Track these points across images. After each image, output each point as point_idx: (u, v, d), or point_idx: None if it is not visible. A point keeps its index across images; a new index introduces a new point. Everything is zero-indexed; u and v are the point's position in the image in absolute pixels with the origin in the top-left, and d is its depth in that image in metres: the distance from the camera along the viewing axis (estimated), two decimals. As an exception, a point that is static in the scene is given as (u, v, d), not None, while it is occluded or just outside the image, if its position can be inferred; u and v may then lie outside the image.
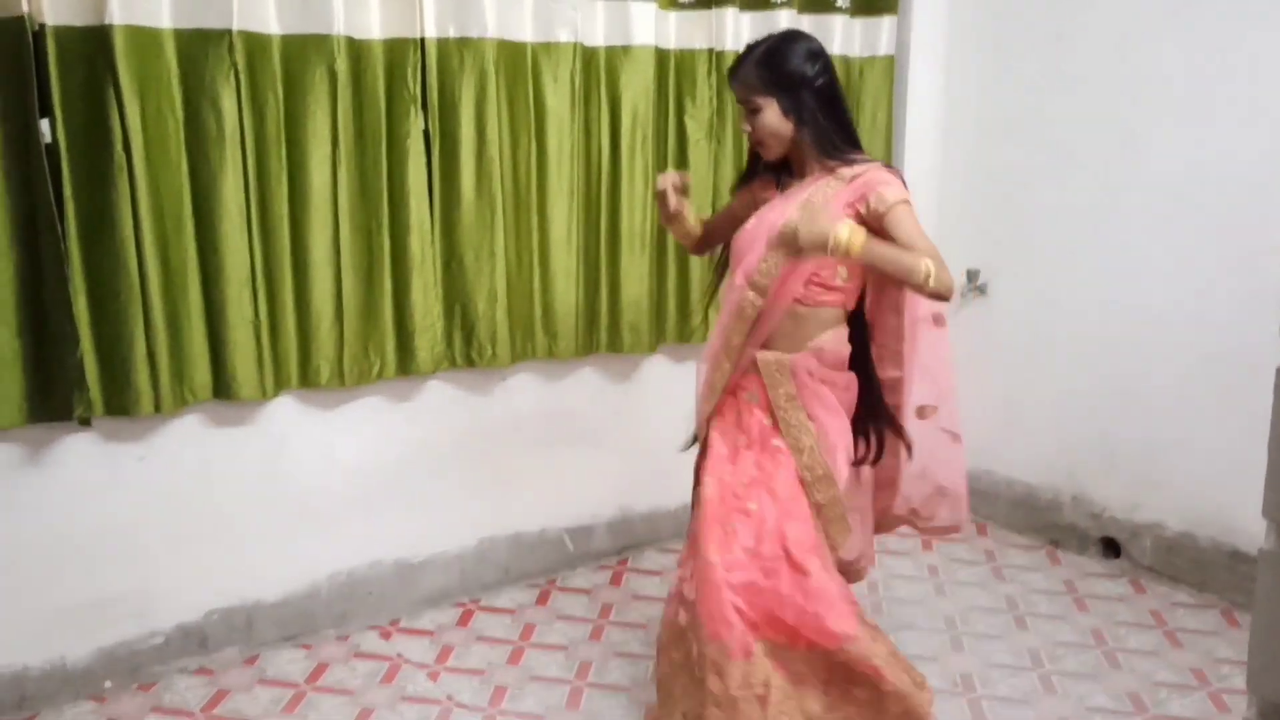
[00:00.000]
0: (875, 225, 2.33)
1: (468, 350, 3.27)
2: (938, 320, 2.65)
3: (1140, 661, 3.10)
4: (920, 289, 2.26)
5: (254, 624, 3.14)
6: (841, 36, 3.81)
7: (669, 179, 2.63)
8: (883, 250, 2.24)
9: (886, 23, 3.91)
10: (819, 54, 2.41)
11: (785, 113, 2.38)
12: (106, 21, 2.58)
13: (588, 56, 3.32)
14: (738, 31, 3.56)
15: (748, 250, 2.47)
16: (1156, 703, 2.88)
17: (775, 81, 2.37)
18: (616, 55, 3.38)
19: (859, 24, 3.86)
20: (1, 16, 2.48)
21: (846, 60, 3.85)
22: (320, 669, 3.06)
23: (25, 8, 2.48)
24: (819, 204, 2.35)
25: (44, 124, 2.57)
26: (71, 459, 2.80)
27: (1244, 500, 3.31)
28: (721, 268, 2.78)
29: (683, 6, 3.49)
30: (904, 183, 2.41)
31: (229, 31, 2.74)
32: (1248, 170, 3.27)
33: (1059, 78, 3.75)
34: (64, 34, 2.57)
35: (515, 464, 3.52)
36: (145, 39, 2.65)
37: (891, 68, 3.96)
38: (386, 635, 3.26)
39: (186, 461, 2.97)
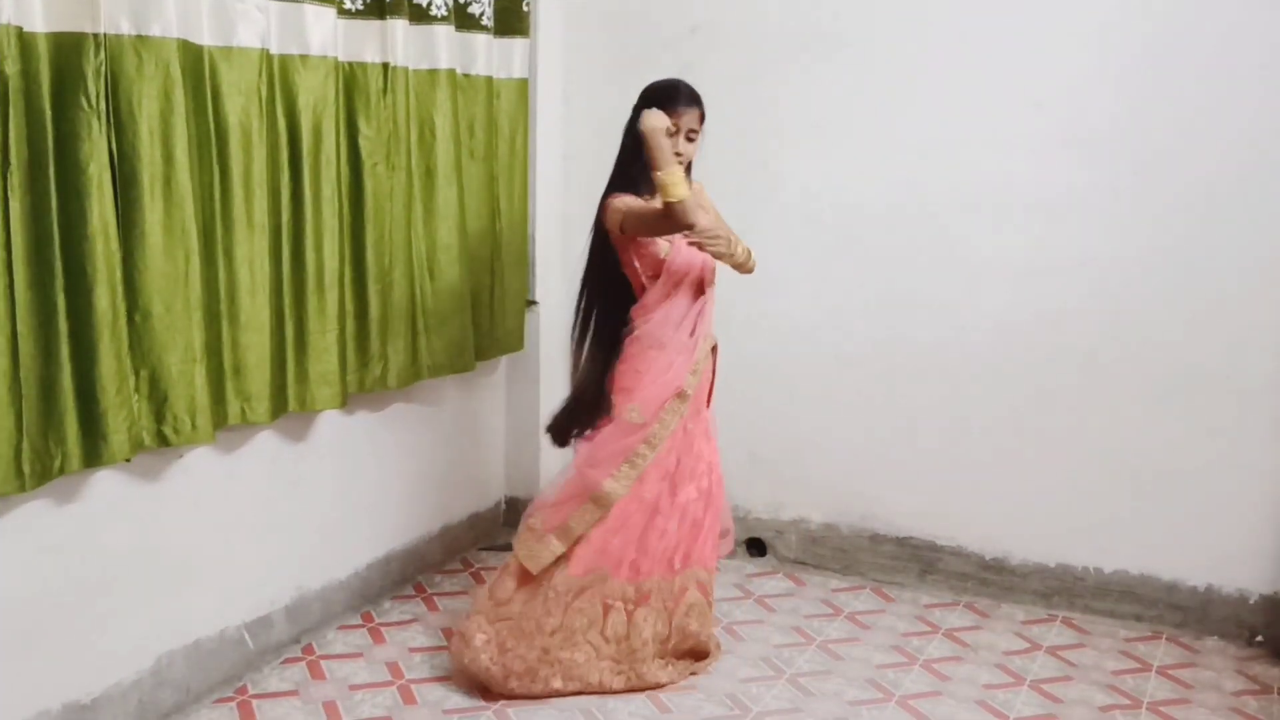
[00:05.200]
0: None
1: (158, 427, 2.60)
2: None
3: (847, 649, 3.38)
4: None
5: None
6: (484, 57, 3.63)
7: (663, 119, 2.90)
8: None
9: (519, 45, 3.79)
10: None
11: None
12: None
13: (269, 64, 2.81)
14: (406, 44, 3.24)
15: (696, 253, 3.00)
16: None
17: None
18: (293, 65, 2.90)
19: (497, 45, 3.70)
20: None
21: (490, 81, 3.67)
22: None
23: None
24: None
25: None
26: None
27: (880, 488, 3.78)
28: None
29: (352, 14, 3.09)
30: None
31: None
32: (866, 193, 3.71)
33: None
34: None
35: (192, 559, 2.87)
36: None
37: (525, 90, 3.86)
38: (73, 809, 2.49)
39: None
